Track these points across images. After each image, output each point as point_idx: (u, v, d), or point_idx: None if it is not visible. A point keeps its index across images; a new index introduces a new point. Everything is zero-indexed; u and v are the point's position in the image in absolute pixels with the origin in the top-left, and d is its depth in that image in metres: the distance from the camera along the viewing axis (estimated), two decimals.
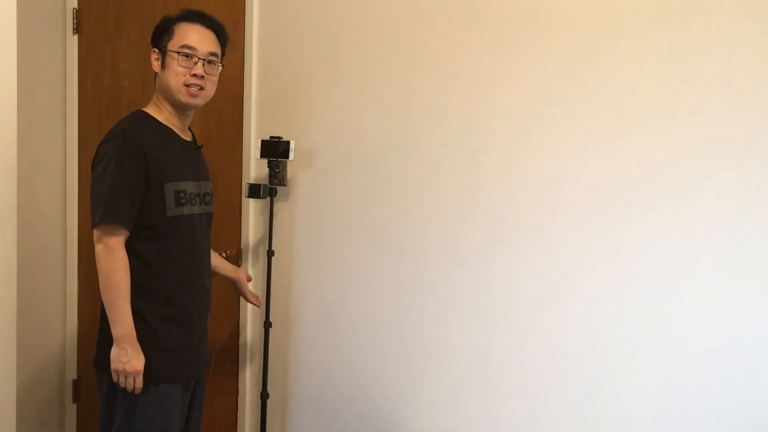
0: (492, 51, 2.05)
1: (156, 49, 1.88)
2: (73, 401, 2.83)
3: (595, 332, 1.92)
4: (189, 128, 2.00)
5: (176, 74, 1.83)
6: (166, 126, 1.88)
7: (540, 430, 2.02)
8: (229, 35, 1.97)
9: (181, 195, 1.84)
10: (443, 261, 2.15)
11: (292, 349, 2.48)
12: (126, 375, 1.75)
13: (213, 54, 1.88)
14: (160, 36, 1.87)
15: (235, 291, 2.29)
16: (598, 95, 1.90)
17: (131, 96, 2.67)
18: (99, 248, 1.75)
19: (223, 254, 2.52)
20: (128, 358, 1.74)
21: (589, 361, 1.94)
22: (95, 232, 1.76)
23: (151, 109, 1.89)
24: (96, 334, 1.88)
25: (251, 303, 2.30)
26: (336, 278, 2.37)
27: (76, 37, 2.74)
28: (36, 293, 2.66)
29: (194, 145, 1.99)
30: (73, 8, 2.73)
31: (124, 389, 1.77)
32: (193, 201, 1.88)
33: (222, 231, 2.54)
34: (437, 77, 2.14)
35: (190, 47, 1.84)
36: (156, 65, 1.88)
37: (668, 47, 1.80)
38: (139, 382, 1.76)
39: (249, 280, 2.30)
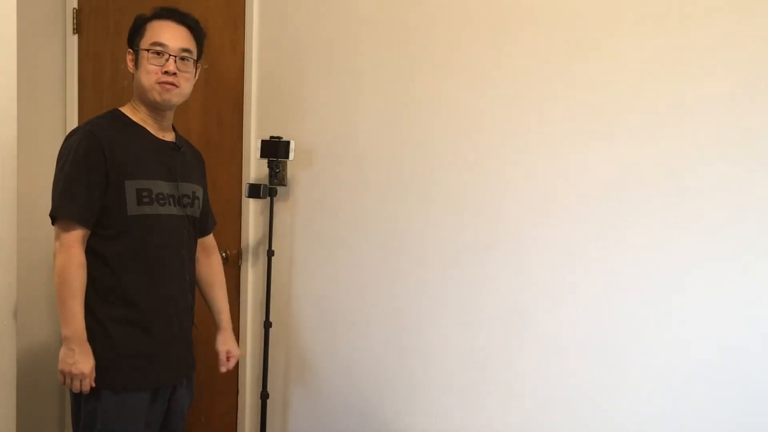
0: (489, 50, 2.05)
1: (130, 50, 1.85)
2: None
3: (595, 333, 1.92)
4: (174, 129, 1.95)
5: (148, 72, 1.79)
6: (138, 124, 1.84)
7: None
8: (205, 31, 1.92)
9: (145, 194, 1.78)
10: (443, 261, 2.15)
11: (292, 349, 2.48)
12: (72, 377, 1.70)
13: (185, 50, 1.83)
14: (134, 36, 1.85)
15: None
16: (598, 94, 1.89)
17: (131, 95, 2.66)
18: (55, 245, 1.72)
19: (223, 254, 2.52)
20: (74, 360, 1.69)
21: (588, 362, 1.94)
22: (54, 229, 1.74)
23: (126, 109, 1.86)
24: None
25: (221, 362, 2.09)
26: (336, 278, 2.37)
27: (76, 37, 2.74)
28: (36, 293, 2.67)
29: (174, 146, 1.91)
30: (73, 8, 2.73)
31: (88, 394, 1.73)
32: (162, 201, 1.82)
33: (222, 231, 2.54)
34: (437, 77, 2.14)
35: (160, 44, 1.79)
36: (131, 66, 1.85)
37: (668, 46, 1.80)
38: (86, 385, 1.71)
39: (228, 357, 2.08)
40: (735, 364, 1.75)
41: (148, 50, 1.80)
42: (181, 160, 1.91)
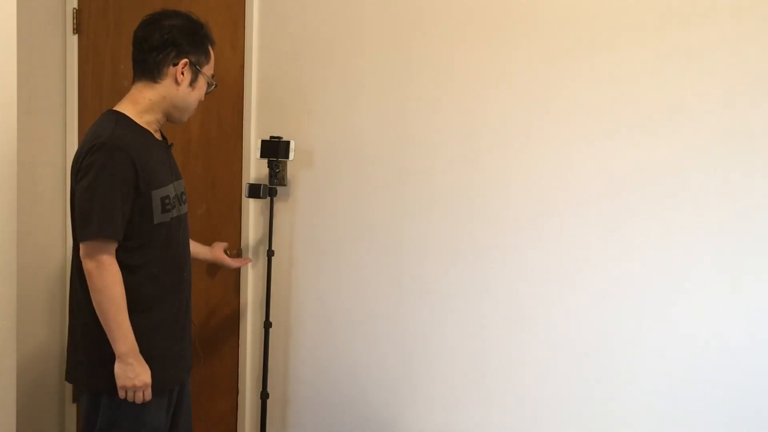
0: (489, 50, 2.05)
1: (188, 61, 1.78)
2: (73, 401, 2.83)
3: (596, 333, 1.93)
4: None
5: (200, 97, 1.86)
6: (144, 129, 1.80)
7: (540, 431, 2.02)
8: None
9: (166, 201, 1.79)
10: (443, 261, 2.15)
11: (292, 349, 2.48)
12: (135, 390, 1.71)
13: None
14: (197, 49, 1.80)
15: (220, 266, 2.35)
16: (599, 94, 1.90)
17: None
18: (90, 264, 1.67)
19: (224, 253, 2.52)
20: (135, 373, 1.70)
21: (589, 361, 1.94)
22: (83, 247, 1.68)
23: (129, 111, 1.79)
24: None
25: (239, 265, 2.37)
26: (336, 278, 2.37)
27: (76, 37, 2.74)
28: (36, 293, 2.67)
29: (166, 145, 1.92)
30: (73, 8, 2.73)
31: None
32: (174, 204, 1.84)
33: (222, 231, 2.54)
34: (437, 77, 2.14)
35: (213, 77, 1.90)
36: (182, 79, 1.78)
37: (669, 46, 1.80)
38: (149, 394, 1.73)
39: (226, 251, 2.33)
40: (735, 364, 1.76)
41: (210, 81, 1.87)
42: (172, 158, 1.94)
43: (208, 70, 1.86)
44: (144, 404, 1.76)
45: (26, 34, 2.36)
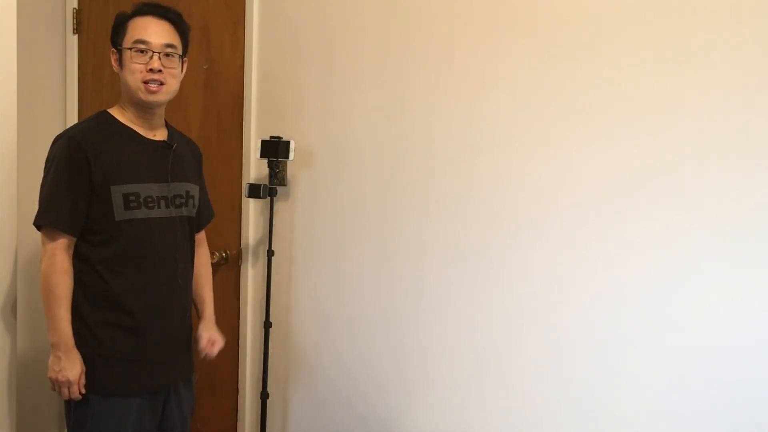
0: (489, 50, 2.05)
1: (114, 50, 1.81)
2: None
3: (596, 333, 1.92)
4: (168, 126, 1.91)
5: (132, 72, 1.75)
6: (126, 126, 1.80)
7: (540, 431, 2.02)
8: (189, 25, 1.87)
9: (132, 198, 1.75)
10: (443, 261, 2.15)
11: (292, 349, 2.48)
12: (59, 384, 1.70)
13: (169, 45, 1.78)
14: (116, 35, 1.80)
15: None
16: (598, 94, 1.89)
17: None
18: (41, 252, 1.73)
19: (223, 254, 2.52)
20: (61, 367, 1.68)
21: (589, 362, 1.94)
22: (40, 236, 1.74)
23: (114, 110, 1.83)
24: None
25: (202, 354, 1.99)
26: (336, 278, 2.37)
27: (76, 36, 2.74)
28: (36, 293, 2.66)
29: (165, 145, 1.86)
30: (73, 8, 2.73)
31: (74, 400, 1.73)
32: (152, 204, 1.79)
33: (222, 231, 2.54)
34: (437, 77, 2.14)
35: (143, 41, 1.74)
36: (115, 66, 1.80)
37: (669, 46, 1.80)
38: (75, 392, 1.70)
39: (207, 346, 1.98)
40: (735, 364, 1.76)
41: (131, 48, 1.75)
42: (174, 159, 1.87)
43: (126, 42, 1.76)
44: (112, 404, 1.74)
45: (26, 34, 2.36)
